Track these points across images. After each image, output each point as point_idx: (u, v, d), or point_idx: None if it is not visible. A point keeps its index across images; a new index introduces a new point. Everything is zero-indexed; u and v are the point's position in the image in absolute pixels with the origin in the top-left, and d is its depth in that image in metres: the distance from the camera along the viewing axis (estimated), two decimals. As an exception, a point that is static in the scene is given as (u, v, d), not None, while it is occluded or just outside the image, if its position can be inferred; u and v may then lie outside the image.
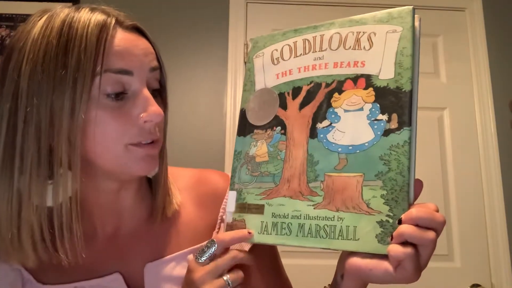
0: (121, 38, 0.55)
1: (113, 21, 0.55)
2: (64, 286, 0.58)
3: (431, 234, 0.42)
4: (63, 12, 0.54)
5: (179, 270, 0.60)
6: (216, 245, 0.51)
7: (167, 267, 0.60)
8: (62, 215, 0.53)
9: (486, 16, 1.99)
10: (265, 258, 0.65)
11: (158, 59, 0.59)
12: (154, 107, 0.55)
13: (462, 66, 1.97)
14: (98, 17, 0.54)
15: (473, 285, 1.75)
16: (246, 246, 0.59)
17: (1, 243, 0.54)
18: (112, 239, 0.62)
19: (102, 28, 0.53)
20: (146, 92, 0.55)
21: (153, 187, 0.64)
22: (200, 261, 0.51)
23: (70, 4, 0.59)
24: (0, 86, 0.54)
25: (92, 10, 0.55)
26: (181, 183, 0.68)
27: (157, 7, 1.94)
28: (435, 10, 2.01)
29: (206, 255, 0.51)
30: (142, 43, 0.57)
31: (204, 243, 0.53)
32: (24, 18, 1.93)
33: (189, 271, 0.53)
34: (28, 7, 1.95)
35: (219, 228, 0.65)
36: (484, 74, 1.93)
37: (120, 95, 0.54)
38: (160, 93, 0.60)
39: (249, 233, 0.51)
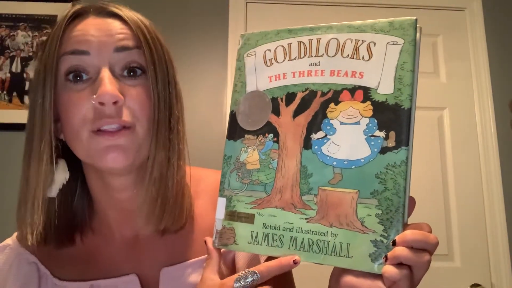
0: (86, 23, 0.56)
1: (83, 11, 0.57)
2: (80, 284, 0.59)
3: (426, 257, 0.43)
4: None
5: (195, 277, 0.59)
6: (259, 277, 0.47)
7: (183, 273, 0.60)
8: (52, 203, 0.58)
9: (486, 16, 1.97)
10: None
11: (144, 41, 0.57)
12: (104, 88, 0.52)
13: (461, 65, 1.96)
14: (71, 9, 0.57)
15: (473, 285, 1.77)
16: (262, 258, 0.58)
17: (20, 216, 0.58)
18: (130, 242, 0.62)
19: (65, 18, 0.57)
20: (104, 72, 0.54)
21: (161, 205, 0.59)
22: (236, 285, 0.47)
23: (70, 4, 0.60)
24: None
25: (76, 4, 0.57)
26: (203, 185, 0.67)
27: (156, 7, 1.87)
28: (435, 10, 1.99)
29: (245, 284, 0.47)
30: (110, 25, 0.56)
31: (247, 270, 0.48)
32: (24, 18, 1.87)
33: None
34: (28, 7, 1.88)
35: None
36: (483, 73, 1.93)
37: (78, 77, 0.55)
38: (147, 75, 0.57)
39: (295, 262, 0.47)
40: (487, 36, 1.96)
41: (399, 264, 0.43)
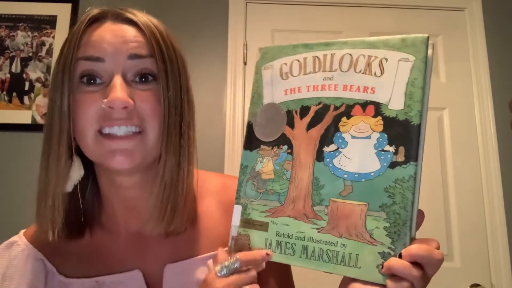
0: (102, 29, 0.59)
1: (101, 15, 0.60)
2: (85, 280, 0.61)
3: (422, 273, 0.44)
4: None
5: (198, 274, 0.61)
6: (239, 262, 0.51)
7: (187, 270, 0.62)
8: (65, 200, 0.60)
9: (486, 16, 1.96)
10: (277, 272, 0.67)
11: (158, 49, 0.59)
12: (114, 93, 0.55)
13: (461, 66, 1.95)
14: (90, 13, 0.61)
15: (473, 285, 1.76)
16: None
17: (39, 210, 0.60)
18: (136, 238, 0.65)
19: (83, 22, 0.59)
20: (116, 79, 0.56)
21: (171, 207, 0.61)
22: (220, 274, 0.51)
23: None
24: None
25: (94, 8, 0.61)
26: (208, 187, 0.69)
27: (156, 7, 1.90)
28: (435, 10, 1.99)
29: (228, 269, 0.51)
30: (125, 32, 0.59)
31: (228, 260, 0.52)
32: (24, 18, 1.90)
33: (207, 283, 0.52)
34: (28, 7, 1.91)
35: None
36: (483, 74, 1.92)
37: (92, 80, 0.57)
38: (157, 82, 0.59)
39: (268, 254, 0.52)
40: (487, 36, 1.95)
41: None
